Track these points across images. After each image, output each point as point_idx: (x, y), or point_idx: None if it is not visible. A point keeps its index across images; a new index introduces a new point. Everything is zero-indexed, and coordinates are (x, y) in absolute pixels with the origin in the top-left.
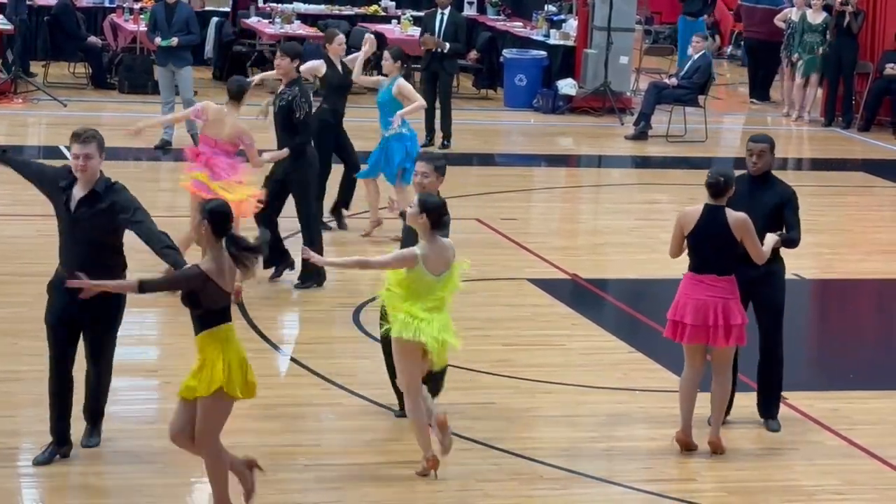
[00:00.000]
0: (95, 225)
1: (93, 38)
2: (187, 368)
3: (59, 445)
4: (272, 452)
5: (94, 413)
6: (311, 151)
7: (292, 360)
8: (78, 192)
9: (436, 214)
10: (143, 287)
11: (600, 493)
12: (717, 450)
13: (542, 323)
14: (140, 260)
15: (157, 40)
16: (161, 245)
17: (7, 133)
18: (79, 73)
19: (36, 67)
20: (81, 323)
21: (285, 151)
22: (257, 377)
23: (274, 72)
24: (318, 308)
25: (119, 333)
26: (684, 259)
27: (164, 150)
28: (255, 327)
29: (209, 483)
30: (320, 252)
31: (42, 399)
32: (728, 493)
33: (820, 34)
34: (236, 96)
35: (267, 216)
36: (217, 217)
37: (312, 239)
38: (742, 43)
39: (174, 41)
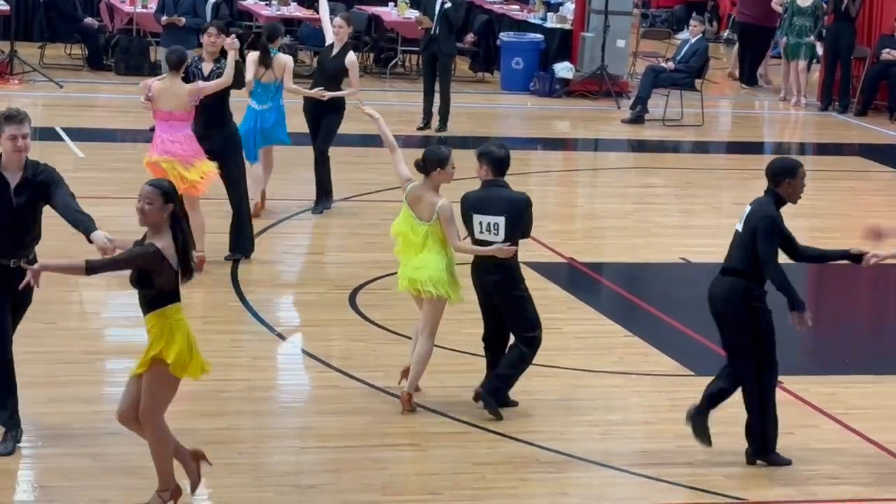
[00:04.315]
0: (36, 208)
1: (89, 20)
2: None
3: (12, 430)
4: (268, 435)
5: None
6: (235, 126)
7: (288, 343)
8: (12, 180)
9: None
10: (90, 268)
11: (596, 476)
12: None
13: (539, 306)
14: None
15: (164, 19)
16: (73, 210)
17: None
18: (75, 55)
19: (32, 49)
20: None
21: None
22: (253, 360)
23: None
24: (314, 291)
25: (115, 315)
26: (681, 243)
27: None
28: (251, 310)
29: (153, 460)
30: (251, 234)
31: (31, 381)
32: (724, 478)
33: (810, 17)
34: (177, 66)
35: None
36: (174, 198)
37: (241, 218)
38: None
39: (181, 20)
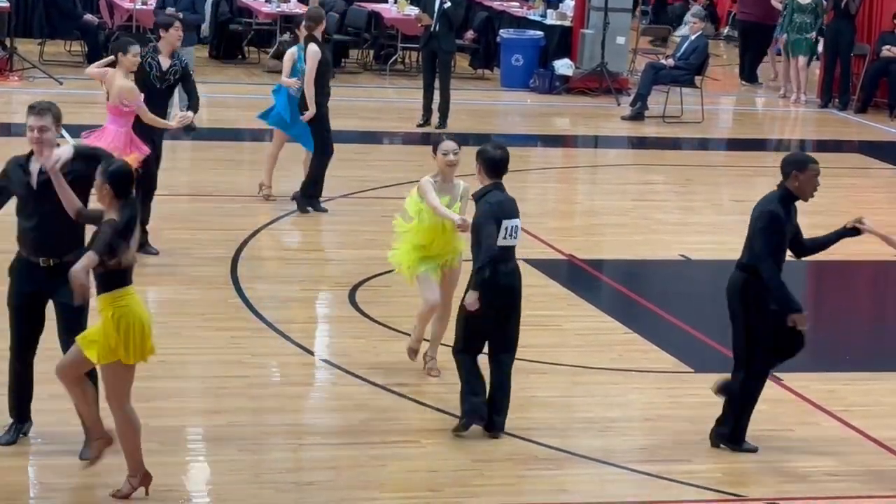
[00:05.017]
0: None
1: (89, 16)
2: (182, 347)
3: (21, 423)
4: (267, 432)
5: None
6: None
7: (287, 339)
8: (36, 167)
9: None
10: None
11: (595, 473)
12: None
13: (538, 303)
14: None
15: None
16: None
17: (1, 111)
18: (75, 52)
19: (31, 45)
20: (49, 299)
21: (191, 115)
22: (252, 357)
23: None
24: (313, 288)
25: None
26: (681, 240)
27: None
28: (250, 307)
29: (120, 445)
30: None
31: (34, 377)
32: (723, 474)
33: (810, 14)
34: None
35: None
36: (118, 178)
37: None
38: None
39: (178, 16)
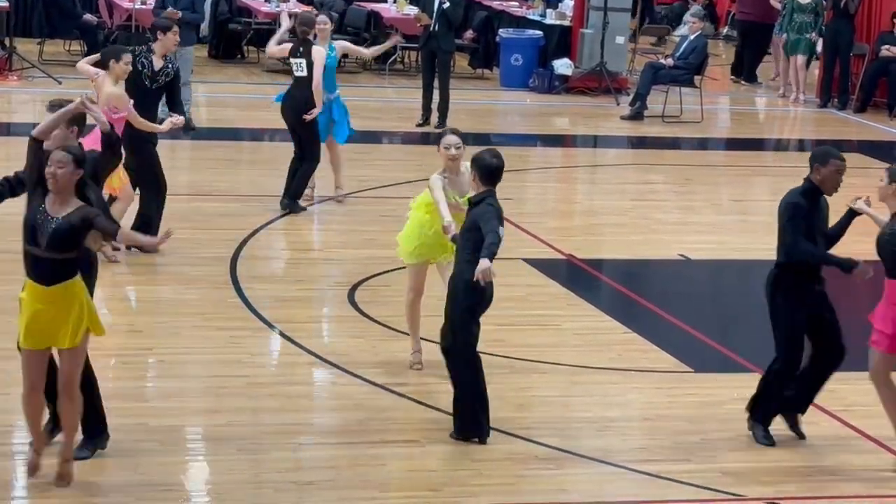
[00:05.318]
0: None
1: (88, 16)
2: (182, 346)
3: (56, 425)
4: (267, 432)
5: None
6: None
7: (287, 339)
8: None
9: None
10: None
11: (594, 472)
12: None
13: (537, 303)
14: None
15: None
16: None
17: (1, 110)
18: (74, 51)
19: (31, 45)
20: None
21: (181, 119)
22: (251, 356)
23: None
24: (312, 287)
25: (104, 312)
26: (681, 240)
27: (186, 129)
28: (249, 306)
29: (72, 426)
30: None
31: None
32: (722, 474)
33: (811, 14)
34: (104, 65)
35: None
36: (84, 164)
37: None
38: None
39: (177, 13)
